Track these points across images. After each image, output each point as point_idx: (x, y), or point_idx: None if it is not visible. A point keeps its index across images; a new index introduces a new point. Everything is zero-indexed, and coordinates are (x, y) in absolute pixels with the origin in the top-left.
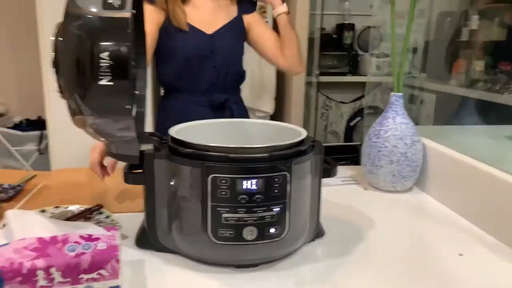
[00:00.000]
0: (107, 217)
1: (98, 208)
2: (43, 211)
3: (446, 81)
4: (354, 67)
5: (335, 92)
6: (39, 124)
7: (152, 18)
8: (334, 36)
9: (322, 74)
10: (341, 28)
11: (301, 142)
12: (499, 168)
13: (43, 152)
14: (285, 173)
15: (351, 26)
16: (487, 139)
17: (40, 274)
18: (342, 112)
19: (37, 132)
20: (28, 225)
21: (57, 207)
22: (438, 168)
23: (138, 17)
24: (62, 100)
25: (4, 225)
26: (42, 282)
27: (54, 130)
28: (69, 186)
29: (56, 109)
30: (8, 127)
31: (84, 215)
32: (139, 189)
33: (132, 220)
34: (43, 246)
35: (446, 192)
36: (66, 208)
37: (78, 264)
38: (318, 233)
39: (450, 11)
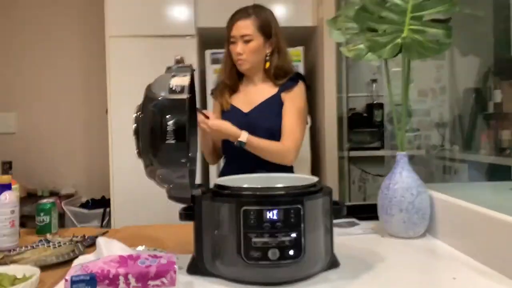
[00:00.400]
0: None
1: (157, 249)
2: None
3: (476, 150)
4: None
5: (371, 166)
6: (102, 202)
7: (217, 108)
8: (365, 115)
9: (355, 149)
10: (371, 107)
11: (312, 186)
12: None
13: (105, 227)
14: (299, 206)
15: (380, 105)
16: (492, 191)
17: (121, 279)
18: (380, 185)
19: (100, 210)
20: (112, 247)
21: None
22: (446, 216)
23: (193, 100)
24: (123, 181)
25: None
26: (122, 285)
27: (117, 207)
28: (134, 237)
29: (119, 189)
30: (77, 206)
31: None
32: (191, 237)
33: (186, 258)
34: (123, 260)
35: (455, 236)
36: (135, 248)
37: (147, 273)
38: (333, 263)
39: (475, 88)
